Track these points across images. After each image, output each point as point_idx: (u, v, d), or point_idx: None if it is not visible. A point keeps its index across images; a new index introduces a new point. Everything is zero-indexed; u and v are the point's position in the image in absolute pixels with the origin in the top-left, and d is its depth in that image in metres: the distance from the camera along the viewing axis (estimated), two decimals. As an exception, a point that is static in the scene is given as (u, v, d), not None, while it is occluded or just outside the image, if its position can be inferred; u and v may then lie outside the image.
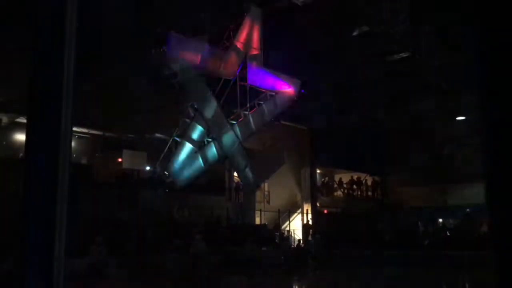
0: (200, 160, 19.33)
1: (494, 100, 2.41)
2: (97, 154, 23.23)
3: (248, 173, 20.88)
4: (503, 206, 2.37)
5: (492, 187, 2.41)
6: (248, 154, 20.83)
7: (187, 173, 19.09)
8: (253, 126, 20.98)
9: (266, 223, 24.98)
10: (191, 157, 19.06)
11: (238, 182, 23.82)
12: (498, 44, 2.50)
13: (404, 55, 22.38)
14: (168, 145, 19.24)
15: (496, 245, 2.42)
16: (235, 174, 23.75)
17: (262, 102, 21.52)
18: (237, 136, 20.01)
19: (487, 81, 2.43)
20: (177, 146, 19.17)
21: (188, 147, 19.03)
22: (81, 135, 22.60)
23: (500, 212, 2.42)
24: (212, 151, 19.73)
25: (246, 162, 20.63)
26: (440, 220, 26.66)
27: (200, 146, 19.49)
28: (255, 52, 20.92)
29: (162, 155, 19.12)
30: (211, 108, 19.39)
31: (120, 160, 22.35)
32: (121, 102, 19.74)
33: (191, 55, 18.64)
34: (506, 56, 2.26)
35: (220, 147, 19.68)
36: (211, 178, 22.84)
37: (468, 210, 24.34)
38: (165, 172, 18.98)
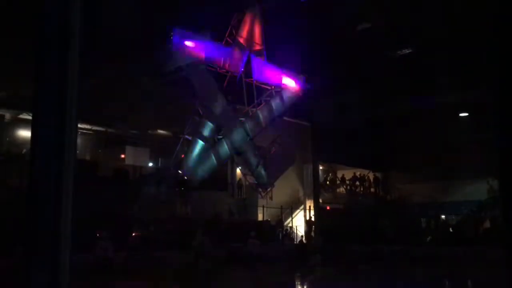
0: (213, 157, 19.28)
1: (508, 96, 2.43)
2: (100, 150, 23.22)
3: (261, 171, 20.83)
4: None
5: (506, 182, 2.43)
6: (258, 152, 20.80)
7: (201, 170, 19.01)
8: (262, 122, 20.98)
9: (269, 219, 24.99)
10: (203, 155, 18.95)
11: (240, 178, 23.80)
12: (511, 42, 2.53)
13: (406, 51, 22.33)
14: (180, 143, 19.11)
15: (509, 240, 2.45)
16: (238, 170, 23.73)
17: (269, 98, 21.49)
18: (247, 132, 19.96)
19: (501, 78, 2.45)
20: (189, 144, 19.05)
21: (200, 144, 18.91)
22: (84, 131, 22.60)
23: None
24: (224, 148, 19.67)
25: (258, 160, 20.58)
26: (443, 216, 26.68)
27: (211, 143, 19.40)
28: (258, 47, 20.86)
29: (175, 153, 19.01)
30: (219, 104, 19.30)
31: (123, 156, 22.34)
32: (124, 98, 19.71)
33: (196, 50, 18.58)
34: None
35: (231, 144, 19.61)
36: (214, 174, 22.80)
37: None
38: (179, 171, 18.90)
